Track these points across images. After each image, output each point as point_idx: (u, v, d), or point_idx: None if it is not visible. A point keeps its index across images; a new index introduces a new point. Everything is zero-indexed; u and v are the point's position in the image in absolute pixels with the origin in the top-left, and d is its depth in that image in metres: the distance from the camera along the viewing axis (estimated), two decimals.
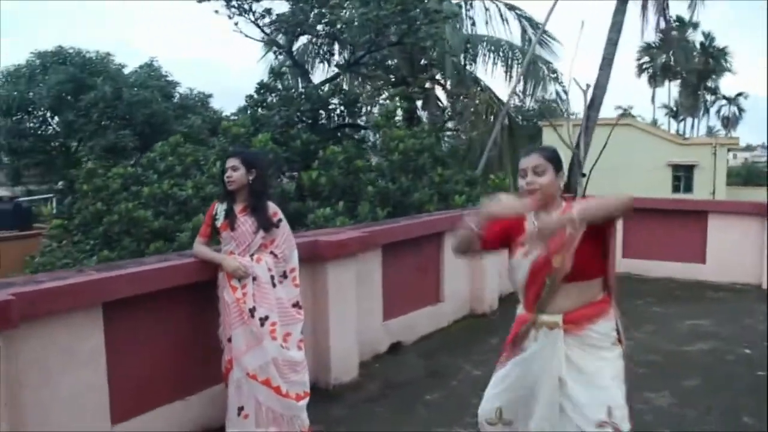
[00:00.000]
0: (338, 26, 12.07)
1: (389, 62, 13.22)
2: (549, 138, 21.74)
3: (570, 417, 2.74)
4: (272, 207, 4.15)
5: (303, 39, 13.66)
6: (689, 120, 46.91)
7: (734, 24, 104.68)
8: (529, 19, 16.31)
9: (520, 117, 21.53)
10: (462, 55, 16.24)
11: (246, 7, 12.45)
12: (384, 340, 5.98)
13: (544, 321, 2.79)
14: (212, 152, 9.97)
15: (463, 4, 16.83)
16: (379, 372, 5.55)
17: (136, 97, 16.96)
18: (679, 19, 38.00)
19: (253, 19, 12.60)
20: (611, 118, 29.41)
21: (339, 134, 12.02)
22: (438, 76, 17.46)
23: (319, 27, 12.38)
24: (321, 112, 11.97)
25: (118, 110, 17.02)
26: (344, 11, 12.05)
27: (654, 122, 45.80)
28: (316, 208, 9.10)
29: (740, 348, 6.09)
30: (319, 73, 14.32)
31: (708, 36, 40.21)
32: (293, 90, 12.31)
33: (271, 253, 4.09)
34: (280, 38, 12.86)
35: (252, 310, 3.93)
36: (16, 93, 17.76)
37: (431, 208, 9.05)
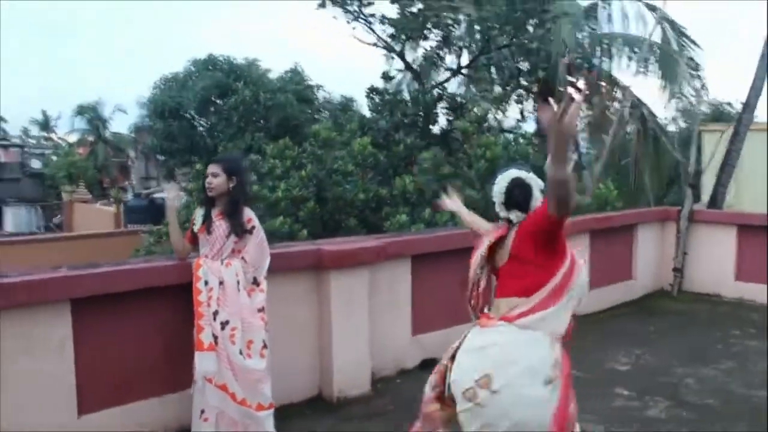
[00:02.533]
0: (448, 29, 11.81)
1: (502, 65, 12.73)
2: (709, 144, 19.99)
3: None
4: (248, 213, 4.13)
5: (418, 44, 13.52)
6: None
7: None
8: (669, 20, 15.08)
9: (678, 122, 19.99)
10: (597, 56, 15.30)
11: (360, 12, 12.54)
12: (413, 355, 5.72)
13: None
14: (303, 156, 10.10)
15: (599, 2, 15.89)
16: (397, 389, 5.31)
17: (272, 101, 17.65)
18: None
19: (367, 24, 12.67)
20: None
21: (446, 140, 11.76)
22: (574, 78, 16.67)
23: (431, 31, 12.18)
24: (428, 116, 11.77)
25: (256, 114, 17.80)
26: (454, 14, 11.74)
27: None
28: (398, 215, 8.95)
29: None
30: (434, 78, 14.12)
31: None
32: (402, 95, 12.20)
33: (242, 258, 4.05)
34: (393, 42, 12.80)
35: (215, 314, 3.92)
36: (169, 98, 19.13)
37: None
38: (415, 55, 13.51)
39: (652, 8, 15.56)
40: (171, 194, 4.26)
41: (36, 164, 38.01)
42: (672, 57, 15.17)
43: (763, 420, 4.68)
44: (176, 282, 4.08)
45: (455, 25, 11.69)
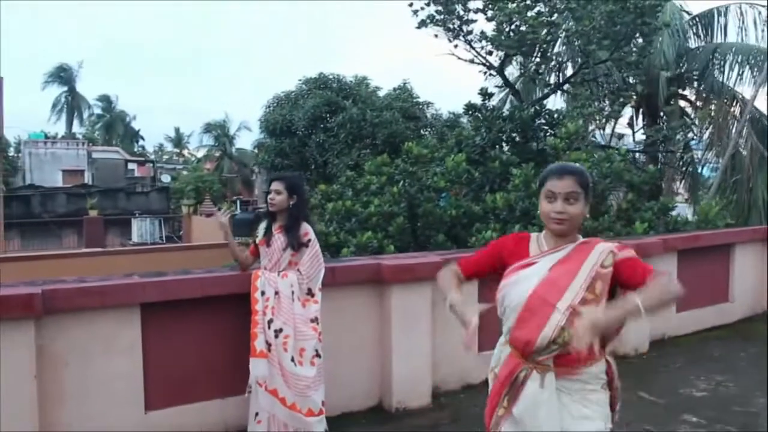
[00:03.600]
0: (545, 45, 11.72)
1: (601, 80, 12.44)
2: None
3: None
4: (305, 227, 4.37)
5: (514, 59, 13.48)
6: None
7: None
8: None
9: None
10: (710, 67, 14.65)
11: (461, 29, 12.67)
12: (480, 370, 5.73)
13: (536, 364, 2.52)
14: (396, 172, 10.33)
15: (715, 12, 15.22)
16: (459, 403, 5.38)
17: (378, 118, 18.09)
18: None
19: (467, 41, 12.78)
20: None
21: (543, 156, 11.66)
22: (688, 92, 16.04)
23: (530, 47, 12.12)
24: (525, 133, 11.71)
25: (363, 131, 18.30)
26: (553, 29, 11.64)
27: None
28: (485, 231, 8.99)
29: None
30: (531, 93, 14.01)
31: None
32: (500, 111, 12.21)
33: (298, 270, 4.30)
34: (493, 59, 12.83)
35: (269, 322, 4.17)
36: (281, 116, 20.00)
37: (609, 237, 8.40)
38: (514, 71, 13.48)
39: None
40: (222, 219, 4.56)
41: (166, 178, 40.67)
42: None
43: None
44: (236, 291, 4.37)
45: (553, 41, 11.58)
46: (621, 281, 2.45)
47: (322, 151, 18.92)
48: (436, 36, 13.36)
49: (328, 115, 19.22)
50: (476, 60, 12.70)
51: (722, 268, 7.89)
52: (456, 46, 13.01)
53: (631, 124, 16.24)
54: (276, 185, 4.37)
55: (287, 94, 21.19)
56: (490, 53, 12.21)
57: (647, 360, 6.53)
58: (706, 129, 15.27)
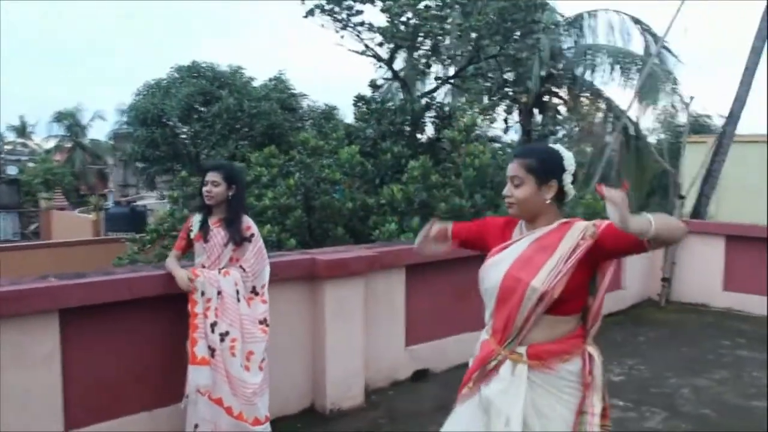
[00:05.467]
0: (437, 38, 11.78)
1: (490, 74, 12.73)
2: (693, 156, 20.19)
3: None
4: (246, 221, 4.05)
5: (411, 52, 13.48)
6: None
7: None
8: (652, 33, 15.26)
9: (659, 133, 20.17)
10: (581, 66, 15.42)
11: (349, 20, 12.48)
12: (407, 366, 5.64)
13: (510, 353, 2.44)
14: (291, 164, 10.01)
15: (586, 15, 16.03)
16: (391, 401, 5.23)
17: (256, 109, 17.54)
18: None
19: (354, 33, 12.60)
20: (760, 135, 26.77)
21: (434, 148, 11.73)
22: (560, 90, 16.78)
23: (419, 39, 12.14)
24: (416, 125, 11.72)
25: (240, 121, 17.68)
26: (444, 23, 11.72)
27: None
28: (387, 224, 8.88)
29: None
30: (420, 86, 14.11)
31: None
32: (390, 103, 12.15)
33: (241, 267, 3.96)
34: (382, 51, 12.73)
35: (213, 325, 3.82)
36: (152, 105, 18.93)
37: None
38: (404, 64, 13.48)
39: (636, 21, 15.72)
40: (177, 278, 3.94)
41: (12, 170, 37.46)
42: (654, 69, 15.30)
43: (762, 430, 4.66)
44: (168, 292, 3.96)
45: (444, 35, 11.65)
46: (613, 246, 2.31)
47: (196, 142, 18.11)
48: (322, 26, 13.13)
49: (202, 105, 18.41)
50: (367, 53, 12.55)
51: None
52: (342, 37, 12.83)
53: (505, 120, 16.78)
54: (213, 175, 4.00)
55: (158, 82, 20.06)
56: (380, 45, 12.10)
57: None
58: (576, 127, 16.03)
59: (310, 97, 21.64)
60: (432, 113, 11.75)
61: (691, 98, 11.18)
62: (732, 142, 12.74)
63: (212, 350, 3.78)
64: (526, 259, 2.42)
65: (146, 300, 3.99)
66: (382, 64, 12.99)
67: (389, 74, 13.89)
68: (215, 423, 3.80)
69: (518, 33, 11.02)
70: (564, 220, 2.46)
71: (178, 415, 3.96)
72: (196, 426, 3.82)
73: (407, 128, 11.93)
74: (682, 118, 18.10)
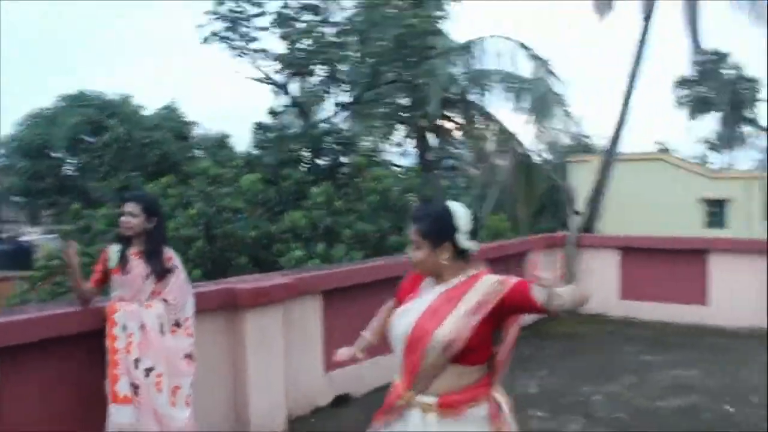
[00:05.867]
0: (335, 65, 11.89)
1: (389, 101, 12.96)
2: (578, 175, 21.23)
3: None
4: (167, 252, 3.89)
5: (304, 80, 13.53)
6: (729, 153, 45.56)
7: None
8: (539, 58, 16.04)
9: (544, 153, 21.10)
10: (472, 91, 15.94)
11: (245, 47, 12.38)
12: (326, 392, 5.57)
13: (418, 401, 2.46)
14: (191, 194, 9.76)
15: (477, 41, 16.60)
16: (313, 428, 5.15)
17: (148, 138, 17.04)
18: (715, 52, 37.15)
19: (251, 60, 12.52)
20: (645, 153, 28.61)
21: (335, 174, 11.76)
22: (452, 113, 17.25)
23: (317, 66, 12.21)
24: (316, 151, 11.74)
25: (131, 151, 17.11)
26: (342, 50, 11.84)
27: (702, 158, 44.34)
28: (292, 250, 8.81)
29: (722, 405, 5.50)
30: (323, 113, 14.18)
31: (736, 67, 39.14)
32: (289, 130, 12.13)
33: (164, 299, 3.80)
34: (280, 78, 12.72)
35: (137, 361, 3.62)
36: (36, 135, 18.04)
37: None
38: (301, 90, 13.50)
39: (524, 46, 16.43)
40: (70, 252, 3.88)
41: None
42: (542, 92, 16.02)
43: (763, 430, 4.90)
44: (82, 330, 3.74)
45: (342, 61, 11.77)
46: (512, 307, 2.44)
47: (84, 173, 17.36)
48: (218, 53, 12.98)
49: (90, 135, 17.70)
50: (264, 80, 12.49)
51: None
52: (237, 67, 12.74)
53: (400, 144, 17.07)
54: (130, 206, 3.82)
55: (42, 111, 19.12)
56: (278, 71, 12.08)
57: None
58: (469, 148, 16.50)
59: (202, 125, 21.29)
60: (331, 139, 11.80)
61: (574, 121, 11.69)
62: (616, 160, 13.54)
63: (136, 387, 3.59)
64: (433, 311, 2.47)
65: (59, 340, 3.74)
66: (280, 90, 12.97)
67: (287, 101, 13.86)
68: None
69: (415, 59, 11.27)
70: (473, 272, 2.53)
71: None
72: None
73: (307, 154, 11.94)
74: (566, 140, 19.05)
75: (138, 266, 3.78)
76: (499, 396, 2.54)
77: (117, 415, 3.54)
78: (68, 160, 17.83)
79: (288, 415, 5.07)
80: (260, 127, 12.18)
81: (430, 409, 2.44)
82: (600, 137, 23.32)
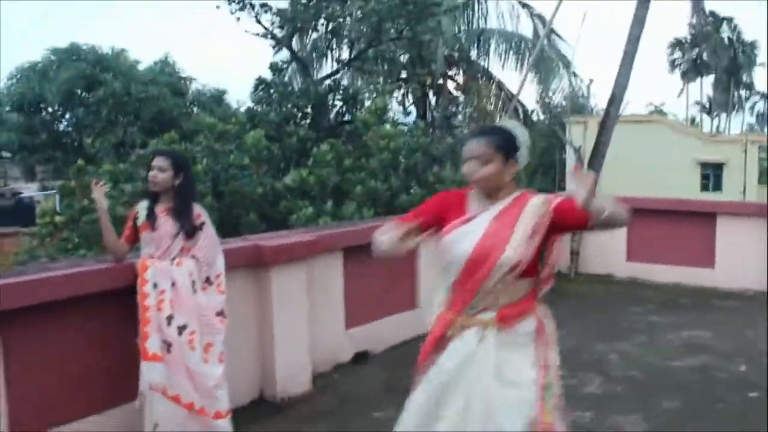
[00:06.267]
0: (338, 20, 11.70)
1: (392, 57, 12.80)
2: (575, 134, 21.20)
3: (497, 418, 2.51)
4: (196, 209, 3.85)
5: (307, 35, 13.31)
6: (723, 117, 45.67)
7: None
8: (541, 17, 15.88)
9: (540, 113, 21.03)
10: (474, 49, 15.78)
11: (246, 1, 12.15)
12: (347, 349, 5.61)
13: (474, 321, 2.57)
14: (197, 150, 9.67)
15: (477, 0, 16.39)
16: (336, 385, 5.19)
17: (145, 94, 16.81)
18: (713, 14, 36.97)
19: (253, 13, 12.30)
20: (641, 115, 28.63)
21: (338, 131, 11.67)
22: (452, 72, 17.11)
23: (320, 21, 12.01)
24: (320, 108, 11.63)
25: (128, 107, 16.89)
26: (345, 4, 11.65)
27: (692, 120, 44.47)
28: (302, 208, 8.78)
29: (735, 365, 5.59)
30: (324, 69, 14.01)
31: (735, 29, 38.99)
32: (292, 86, 11.98)
33: (193, 256, 3.77)
34: (281, 33, 12.51)
35: (169, 318, 3.61)
36: (29, 89, 17.73)
37: None
38: (303, 46, 13.31)
39: (525, 5, 16.25)
40: (99, 194, 3.85)
41: None
42: (546, 52, 15.90)
43: (690, 391, 4.98)
44: (113, 287, 3.73)
45: (346, 17, 11.59)
46: (562, 222, 2.55)
47: (81, 128, 17.14)
48: (218, 7, 12.74)
49: (84, 90, 17.43)
50: (265, 35, 12.29)
51: None
52: (239, 19, 12.50)
53: (402, 102, 16.95)
54: (159, 161, 3.76)
55: (33, 65, 18.75)
56: (281, 27, 11.88)
57: None
58: (471, 108, 16.41)
59: (198, 81, 21.02)
60: (337, 96, 11.69)
61: (591, 81, 11.60)
62: (616, 122, 13.48)
63: (168, 345, 3.58)
64: (492, 233, 2.54)
65: (91, 297, 3.73)
66: (280, 46, 12.77)
67: (288, 58, 13.67)
68: (175, 421, 3.62)
69: (419, 15, 11.10)
70: (517, 193, 2.62)
71: (131, 414, 3.74)
72: (155, 425, 3.61)
73: (310, 111, 11.82)
74: (566, 100, 18.98)
75: (166, 224, 3.74)
76: (543, 309, 2.68)
77: (148, 372, 3.54)
78: (62, 115, 17.53)
79: (312, 371, 5.12)
80: (262, 83, 12.01)
81: (489, 324, 2.56)
82: (599, 98, 23.25)
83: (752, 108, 47.88)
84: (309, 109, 11.78)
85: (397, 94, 13.80)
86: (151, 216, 3.77)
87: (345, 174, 9.29)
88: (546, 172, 23.75)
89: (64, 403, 3.67)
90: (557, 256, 2.71)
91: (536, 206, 2.55)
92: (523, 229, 2.52)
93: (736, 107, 44.53)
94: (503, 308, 2.55)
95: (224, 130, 9.77)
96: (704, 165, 25.83)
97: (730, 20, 38.77)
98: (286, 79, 12.89)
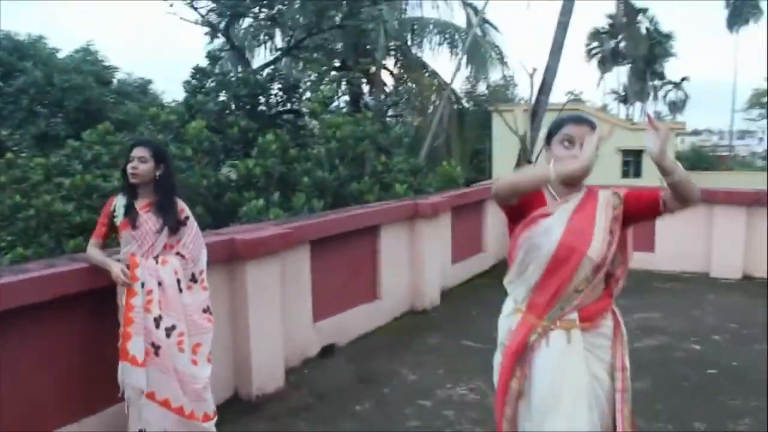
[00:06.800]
0: (277, 8, 11.50)
1: (332, 46, 12.69)
2: (499, 124, 21.56)
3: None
4: (179, 203, 3.67)
5: (243, 22, 13.02)
6: (638, 105, 47.63)
7: (679, 6, 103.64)
8: (474, 7, 16.06)
9: (470, 102, 21.28)
10: (408, 39, 15.81)
11: None
12: (315, 343, 5.55)
13: (562, 322, 2.42)
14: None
15: None
16: (308, 379, 5.11)
17: (69, 83, 16.06)
18: (629, 4, 38.30)
19: (189, 1, 11.94)
20: (561, 103, 29.34)
21: (279, 121, 11.50)
22: (386, 61, 17.09)
23: (258, 9, 11.77)
24: (260, 98, 11.41)
25: (50, 96, 16.10)
26: None
27: (604, 107, 46.12)
28: (250, 200, 8.60)
29: (689, 344, 5.84)
30: (260, 57, 13.75)
31: (652, 20, 40.69)
32: (231, 75, 11.70)
33: (178, 253, 3.60)
34: (218, 21, 12.20)
35: (157, 320, 3.43)
36: None
37: (371, 198, 8.63)
38: (238, 33, 13.02)
39: None
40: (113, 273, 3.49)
41: None
42: (476, 41, 16.08)
43: (655, 371, 5.16)
44: (91, 287, 3.55)
45: (285, 3, 11.39)
46: (636, 211, 2.47)
47: None
48: None
49: (2, 79, 16.53)
50: (199, 22, 11.95)
51: (478, 222, 8.66)
52: (171, 5, 12.10)
53: (336, 91, 16.83)
54: (140, 150, 3.53)
55: None
56: (219, 15, 11.58)
57: (445, 312, 6.91)
58: (406, 98, 16.44)
59: (122, 70, 20.26)
60: (278, 84, 11.50)
61: (534, 69, 11.77)
62: (546, 110, 13.78)
63: (157, 347, 3.41)
64: (575, 228, 2.41)
65: (67, 298, 3.54)
66: (216, 34, 12.45)
67: (222, 46, 13.35)
68: (164, 426, 3.46)
69: (361, 4, 11.04)
70: (587, 187, 2.51)
71: (114, 419, 3.59)
72: (142, 431, 3.46)
73: (249, 101, 11.59)
74: (496, 88, 19.26)
75: (149, 220, 3.53)
76: (616, 307, 2.58)
77: (126, 373, 3.37)
78: None
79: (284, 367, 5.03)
80: (199, 71, 11.68)
81: (573, 326, 2.42)
82: (522, 88, 23.68)
83: (665, 97, 50.27)
84: (248, 99, 11.55)
85: (336, 84, 13.71)
86: (130, 212, 3.57)
87: (291, 164, 9.15)
88: (470, 163, 24.12)
89: (42, 410, 3.47)
90: (631, 251, 2.58)
91: (608, 199, 2.46)
92: (602, 224, 2.42)
93: (650, 96, 46.47)
94: (585, 308, 2.43)
95: (168, 120, 9.45)
96: (625, 152, 26.77)
97: (645, 11, 40.30)
98: (225, 68, 12.57)
